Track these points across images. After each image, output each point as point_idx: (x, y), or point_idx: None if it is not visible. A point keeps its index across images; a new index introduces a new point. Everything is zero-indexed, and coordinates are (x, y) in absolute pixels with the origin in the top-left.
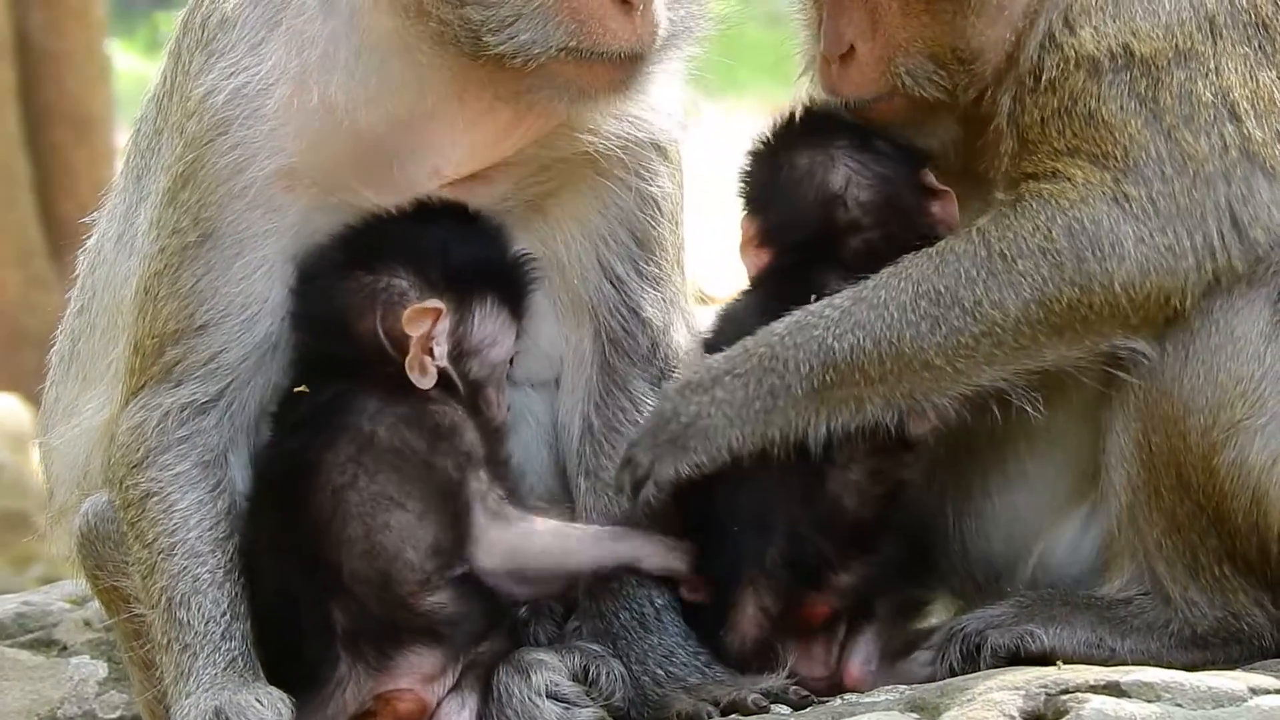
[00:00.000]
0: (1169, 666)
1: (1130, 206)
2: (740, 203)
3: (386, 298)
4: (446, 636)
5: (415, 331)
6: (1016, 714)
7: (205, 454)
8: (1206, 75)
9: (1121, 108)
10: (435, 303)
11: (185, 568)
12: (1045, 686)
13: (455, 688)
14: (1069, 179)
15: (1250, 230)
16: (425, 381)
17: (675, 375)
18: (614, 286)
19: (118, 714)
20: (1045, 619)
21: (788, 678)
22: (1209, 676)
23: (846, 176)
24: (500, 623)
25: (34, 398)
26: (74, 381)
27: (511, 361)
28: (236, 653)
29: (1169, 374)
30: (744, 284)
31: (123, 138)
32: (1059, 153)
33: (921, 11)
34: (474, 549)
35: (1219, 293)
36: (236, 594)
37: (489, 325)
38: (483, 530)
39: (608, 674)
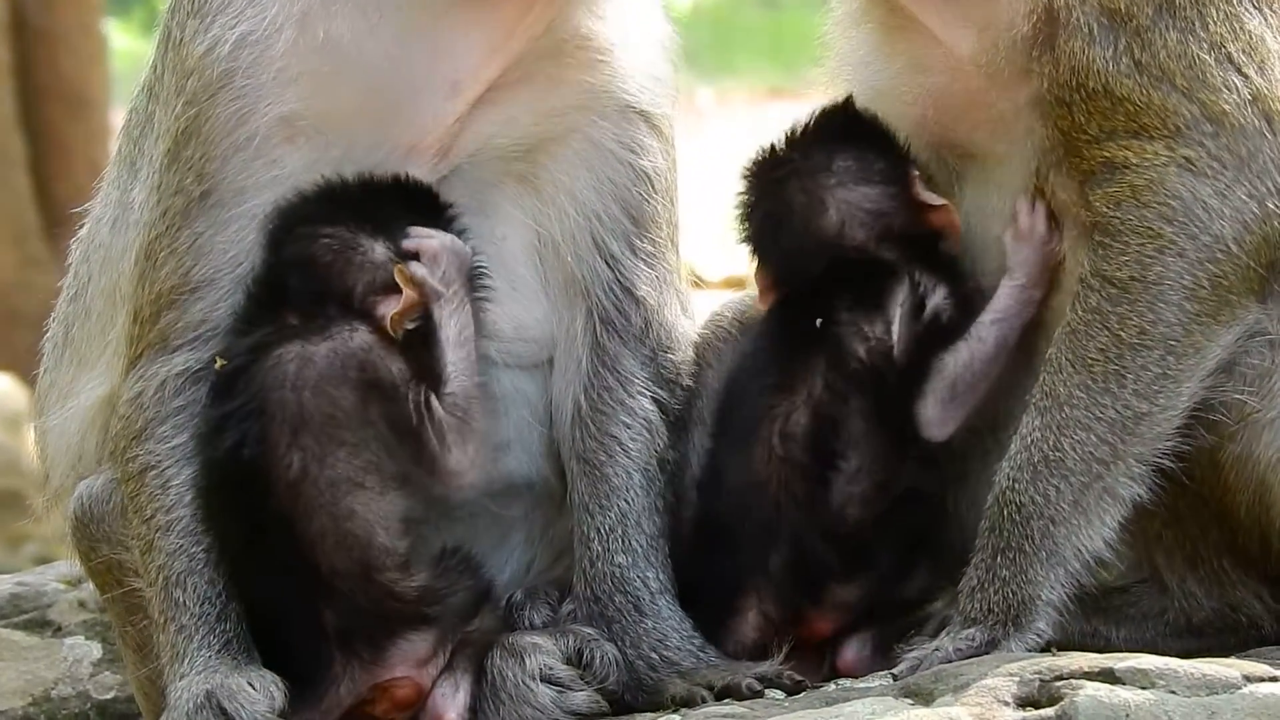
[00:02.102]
0: (1164, 654)
1: (1197, 166)
2: (743, 247)
3: (379, 263)
4: (436, 618)
5: (408, 290)
6: (1010, 700)
7: (203, 425)
8: (1194, 31)
9: (1133, 80)
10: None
11: (181, 546)
12: (1039, 673)
13: (448, 669)
14: (1125, 165)
15: None
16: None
17: None
18: (608, 265)
19: (112, 694)
20: None
21: (782, 664)
22: (1203, 664)
23: (841, 218)
24: (487, 597)
25: (29, 377)
26: (69, 366)
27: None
28: (232, 634)
29: None
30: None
31: (118, 117)
32: (1099, 138)
33: None
34: (445, 475)
35: None
36: (234, 575)
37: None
38: (444, 455)
39: (602, 657)
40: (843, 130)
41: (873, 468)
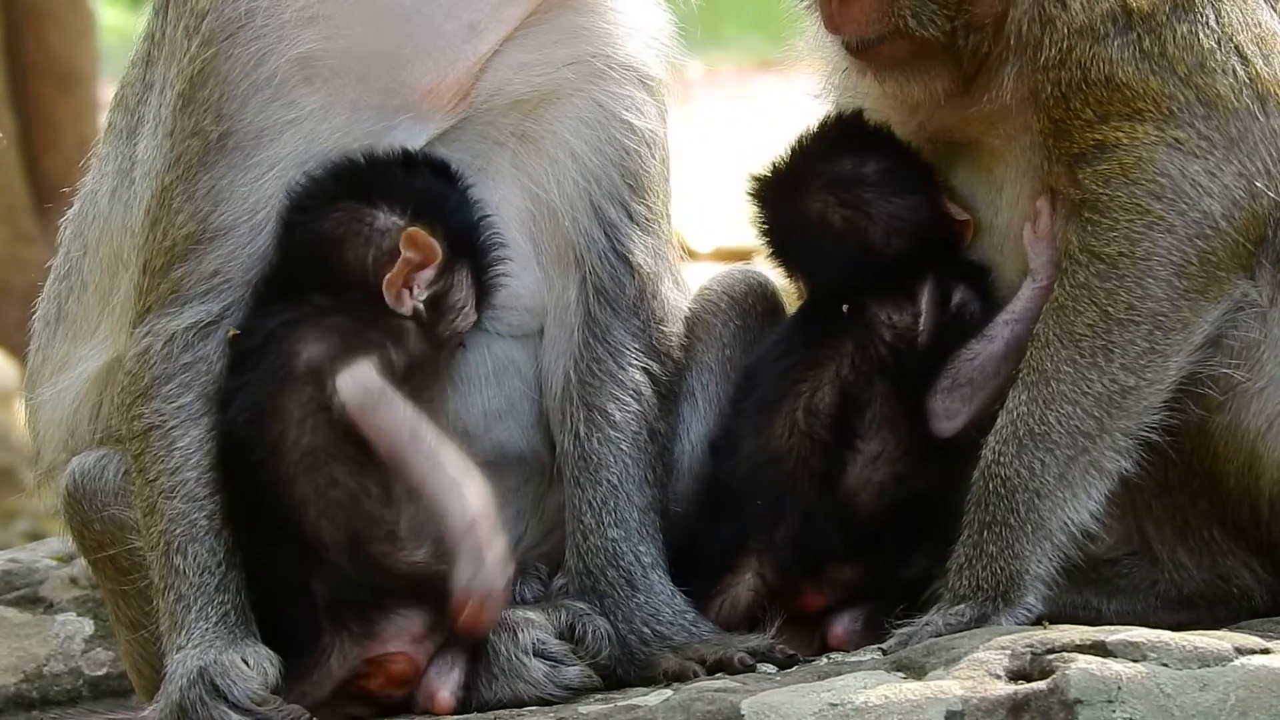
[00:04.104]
0: (1155, 626)
1: (1186, 146)
2: (770, 256)
3: (386, 229)
4: (429, 595)
5: (408, 253)
6: (1002, 674)
7: (208, 384)
8: (1207, 24)
9: (1136, 69)
10: (436, 243)
11: (183, 512)
12: (1031, 646)
13: (443, 649)
14: (1115, 144)
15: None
16: (402, 308)
17: None
18: (605, 232)
19: (104, 670)
20: None
21: (774, 638)
22: (1195, 636)
23: (886, 230)
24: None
25: (18, 352)
26: (63, 341)
27: (464, 345)
28: (230, 606)
29: None
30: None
31: (107, 93)
32: (1092, 122)
33: None
34: (343, 373)
35: None
36: (235, 542)
37: (464, 291)
38: (354, 365)
39: (594, 632)
40: (863, 141)
41: (893, 456)
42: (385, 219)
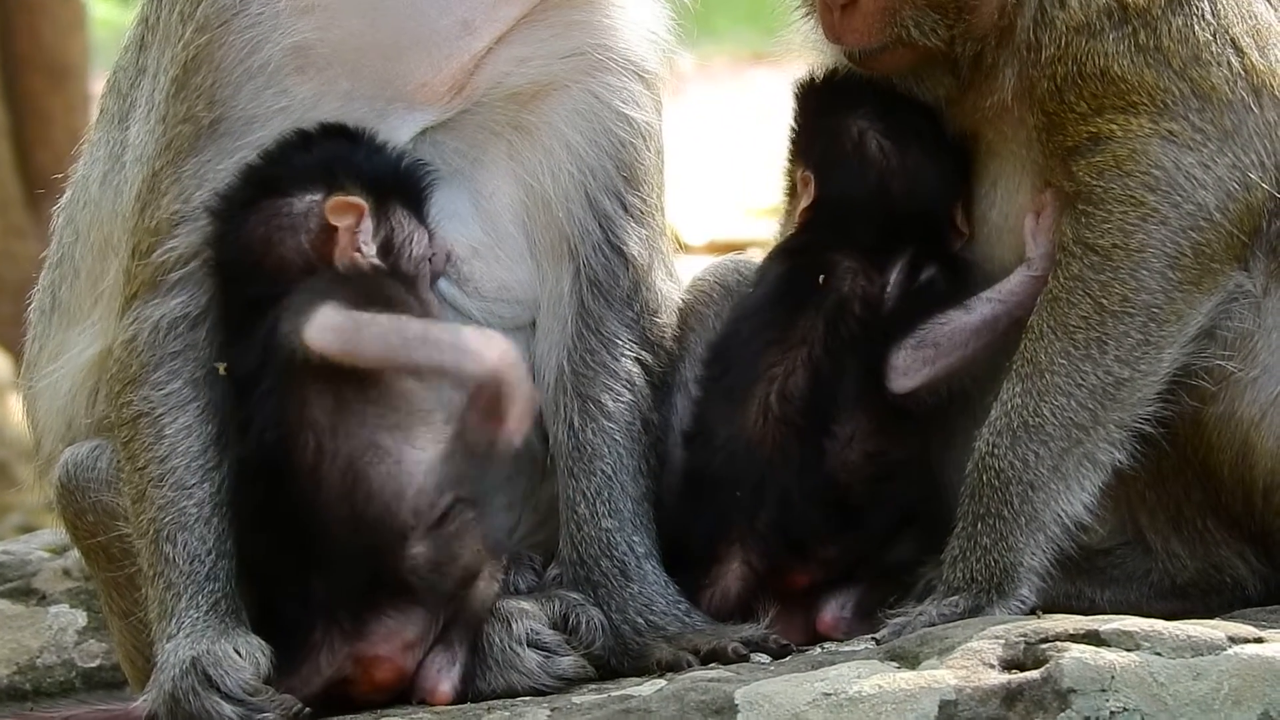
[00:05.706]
0: (1149, 616)
1: (1180, 138)
2: (791, 144)
3: (306, 211)
4: (422, 594)
5: (341, 222)
6: (996, 663)
7: (197, 370)
8: (1202, 16)
9: (1131, 62)
10: (358, 199)
11: (172, 500)
12: (1025, 636)
13: (443, 641)
14: (1109, 137)
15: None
16: (360, 269)
17: None
18: (600, 224)
19: (97, 663)
20: None
21: (767, 627)
22: (1188, 626)
23: (906, 183)
24: (478, 571)
25: (11, 346)
26: (57, 330)
27: (431, 261)
28: (220, 594)
29: None
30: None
31: (98, 86)
32: (1086, 115)
33: None
34: (305, 323)
35: None
36: (224, 530)
37: (407, 227)
38: (319, 310)
39: (588, 622)
40: (929, 112)
41: (866, 432)
42: (302, 201)
